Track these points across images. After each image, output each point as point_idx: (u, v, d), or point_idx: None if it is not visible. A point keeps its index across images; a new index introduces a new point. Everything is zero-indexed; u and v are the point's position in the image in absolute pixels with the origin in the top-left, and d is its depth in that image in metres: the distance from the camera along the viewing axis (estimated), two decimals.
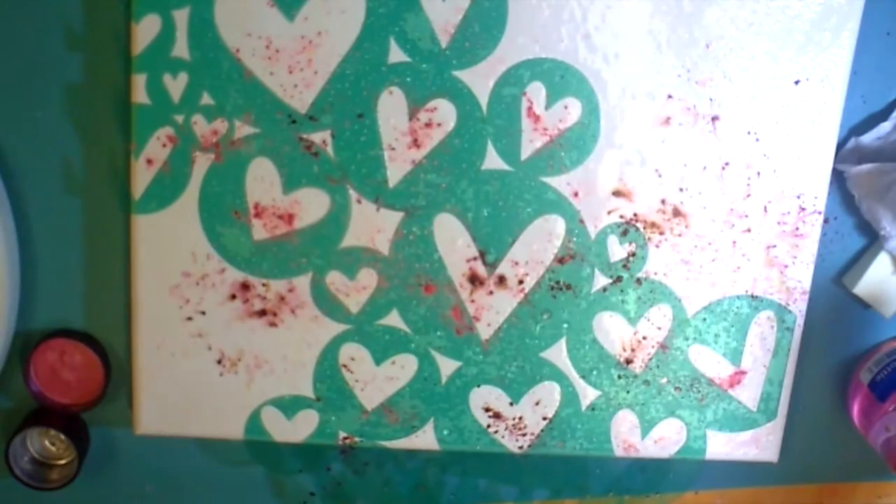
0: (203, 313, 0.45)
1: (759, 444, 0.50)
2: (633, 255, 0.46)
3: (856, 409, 0.50)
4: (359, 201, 0.44)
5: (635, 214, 0.46)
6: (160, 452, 0.48)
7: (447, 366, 0.47)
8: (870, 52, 0.46)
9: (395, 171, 0.44)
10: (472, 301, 0.46)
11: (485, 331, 0.46)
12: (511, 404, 0.48)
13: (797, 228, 0.47)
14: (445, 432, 0.48)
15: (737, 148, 0.45)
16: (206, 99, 0.42)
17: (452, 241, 0.45)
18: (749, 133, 0.45)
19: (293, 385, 0.46)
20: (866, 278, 0.48)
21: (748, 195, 0.46)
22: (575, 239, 0.46)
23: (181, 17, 0.41)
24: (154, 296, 0.44)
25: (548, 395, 0.48)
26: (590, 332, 0.47)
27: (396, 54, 0.42)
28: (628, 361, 0.48)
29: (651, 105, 0.44)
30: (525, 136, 0.44)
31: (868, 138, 0.46)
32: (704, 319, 0.47)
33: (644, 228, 0.46)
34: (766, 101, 0.45)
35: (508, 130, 0.44)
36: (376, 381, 0.47)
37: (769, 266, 0.47)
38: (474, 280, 0.46)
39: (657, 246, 0.46)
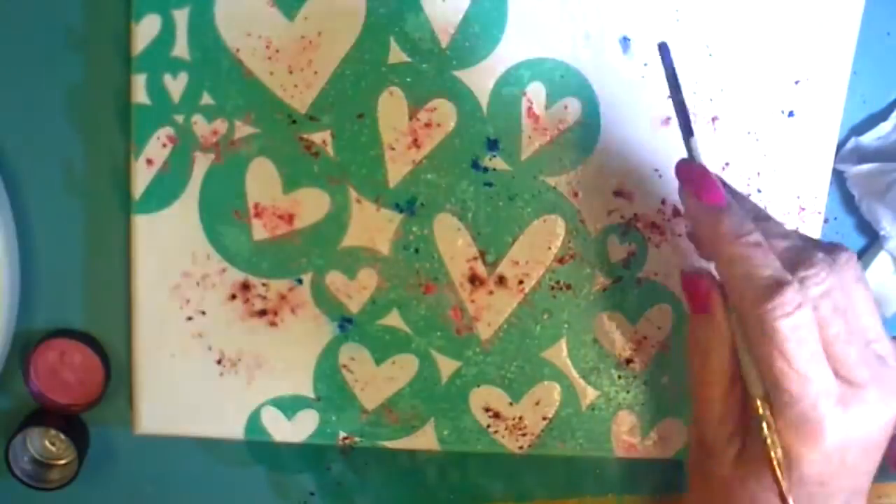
0: (203, 313, 0.45)
1: None
2: (633, 255, 0.46)
3: None
4: (359, 201, 0.44)
5: (635, 214, 0.46)
6: (160, 452, 0.48)
7: (447, 366, 0.47)
8: (870, 52, 0.46)
9: (395, 171, 0.44)
10: (472, 301, 0.46)
11: (485, 331, 0.46)
12: (511, 404, 0.48)
13: (797, 228, 0.47)
14: (445, 432, 0.48)
15: (737, 148, 0.45)
16: (206, 99, 0.42)
17: (452, 241, 0.45)
18: (749, 133, 0.45)
19: (293, 385, 0.46)
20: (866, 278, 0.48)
21: (748, 195, 0.46)
22: (575, 239, 0.46)
23: (181, 17, 0.41)
24: (154, 296, 0.44)
25: (548, 395, 0.48)
26: (590, 332, 0.47)
27: (396, 54, 0.43)
28: (628, 361, 0.48)
29: (651, 105, 0.44)
30: (525, 136, 0.44)
31: (868, 138, 0.46)
32: None
33: (644, 228, 0.46)
34: (766, 101, 0.45)
35: (508, 130, 0.44)
36: (376, 381, 0.47)
37: None
38: (474, 280, 0.46)
39: (657, 246, 0.46)
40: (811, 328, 0.34)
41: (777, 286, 0.34)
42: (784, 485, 0.35)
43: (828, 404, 0.34)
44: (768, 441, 0.35)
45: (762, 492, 0.37)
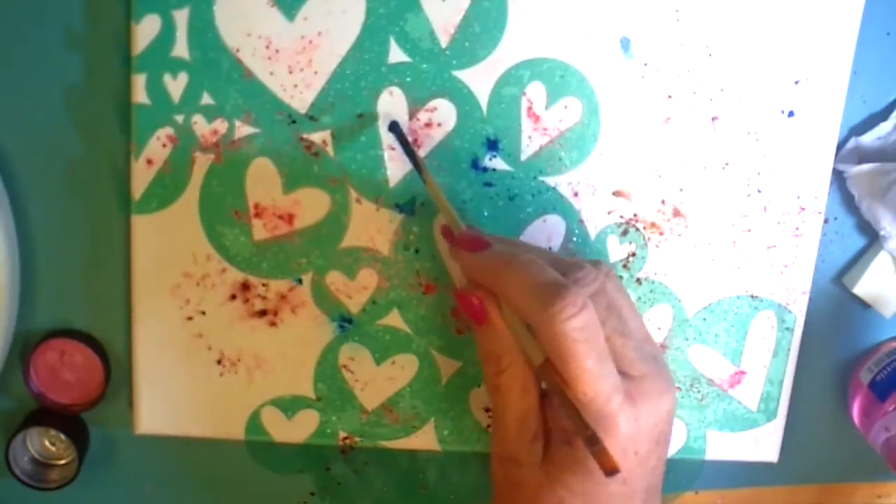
0: (203, 313, 0.45)
1: (759, 444, 0.50)
2: (633, 255, 0.46)
3: (856, 409, 0.50)
4: (359, 201, 0.44)
5: (635, 214, 0.46)
6: (160, 452, 0.48)
7: (447, 366, 0.47)
8: (870, 52, 0.46)
9: (395, 171, 0.44)
10: None
11: None
12: None
13: (797, 228, 0.47)
14: (445, 432, 0.48)
15: (737, 148, 0.45)
16: (206, 99, 0.42)
17: None
18: (749, 133, 0.45)
19: (293, 385, 0.46)
20: (866, 278, 0.48)
21: (748, 195, 0.46)
22: (575, 239, 0.46)
23: (181, 17, 0.41)
24: (154, 296, 0.44)
25: None
26: None
27: (396, 54, 0.43)
28: None
29: (651, 105, 0.44)
30: (525, 136, 0.44)
31: (868, 138, 0.46)
32: (704, 319, 0.47)
33: (644, 228, 0.46)
34: (766, 101, 0.45)
35: (508, 130, 0.44)
36: (376, 381, 0.47)
37: (769, 266, 0.47)
38: None
39: (657, 246, 0.46)
40: (596, 327, 0.35)
41: (559, 288, 0.35)
42: (586, 422, 0.35)
43: (618, 399, 0.35)
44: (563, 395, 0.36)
45: (570, 497, 0.37)
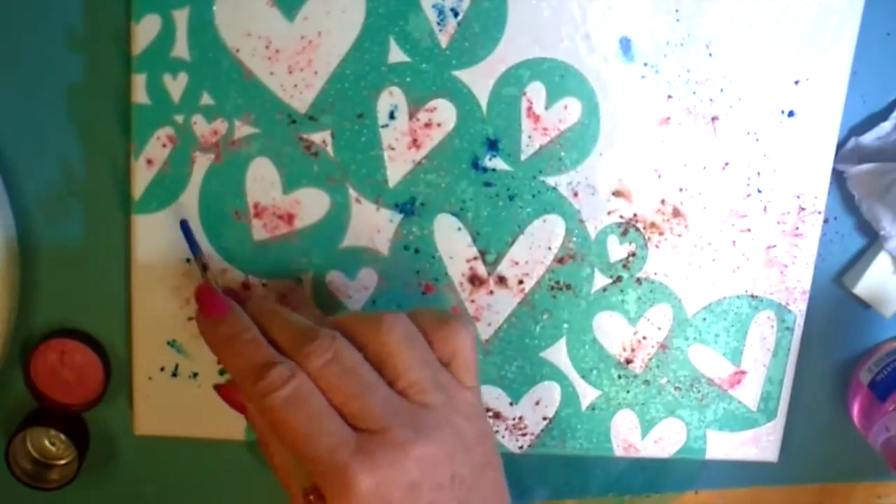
0: None
1: (759, 444, 0.50)
2: (633, 255, 0.46)
3: (856, 409, 0.50)
4: (359, 201, 0.44)
5: (635, 215, 0.46)
6: (160, 452, 0.48)
7: None
8: (870, 52, 0.46)
9: (395, 171, 0.44)
10: (472, 301, 0.46)
11: (485, 331, 0.46)
12: (511, 404, 0.48)
13: (797, 228, 0.47)
14: None
15: (737, 148, 0.45)
16: (206, 99, 0.42)
17: (452, 241, 0.45)
18: (749, 133, 0.45)
19: None
20: (866, 278, 0.48)
21: (748, 195, 0.46)
22: (575, 239, 0.46)
23: (181, 17, 0.41)
24: (154, 296, 0.44)
25: (548, 395, 0.48)
26: (590, 332, 0.47)
27: (396, 54, 0.43)
28: (628, 361, 0.48)
29: (651, 105, 0.44)
30: (525, 136, 0.44)
31: (868, 138, 0.46)
32: (704, 319, 0.47)
33: (644, 228, 0.46)
34: (766, 101, 0.45)
35: (508, 130, 0.44)
36: None
37: (769, 266, 0.47)
38: (474, 280, 0.46)
39: (657, 246, 0.46)
40: (309, 395, 0.36)
41: (264, 368, 0.37)
42: None
43: (346, 453, 0.36)
44: None
45: None
